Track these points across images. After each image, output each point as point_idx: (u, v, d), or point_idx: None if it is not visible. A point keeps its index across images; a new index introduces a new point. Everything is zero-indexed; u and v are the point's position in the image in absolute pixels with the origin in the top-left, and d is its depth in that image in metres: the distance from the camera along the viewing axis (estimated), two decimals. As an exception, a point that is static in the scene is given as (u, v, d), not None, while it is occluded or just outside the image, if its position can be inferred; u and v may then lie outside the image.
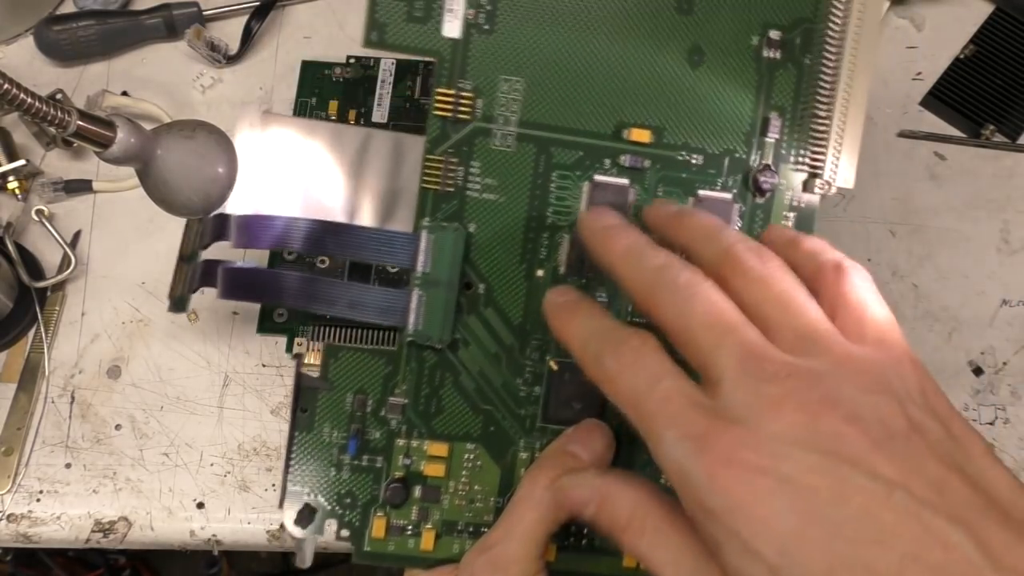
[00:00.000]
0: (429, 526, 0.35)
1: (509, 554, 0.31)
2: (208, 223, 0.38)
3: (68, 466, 0.42)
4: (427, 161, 0.34)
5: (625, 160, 0.35)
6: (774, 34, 0.35)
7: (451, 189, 0.34)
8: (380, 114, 0.46)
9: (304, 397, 0.35)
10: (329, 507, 0.35)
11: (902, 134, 0.49)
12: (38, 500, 0.42)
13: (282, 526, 0.35)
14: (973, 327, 0.46)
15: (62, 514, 0.42)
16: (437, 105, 0.34)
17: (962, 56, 0.50)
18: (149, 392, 0.44)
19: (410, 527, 0.35)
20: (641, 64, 0.34)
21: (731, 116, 0.35)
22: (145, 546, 0.42)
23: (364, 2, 0.33)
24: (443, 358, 0.35)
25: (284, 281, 0.36)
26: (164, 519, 0.41)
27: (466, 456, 0.35)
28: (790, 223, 0.35)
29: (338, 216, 0.38)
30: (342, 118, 0.46)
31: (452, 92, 0.34)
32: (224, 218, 0.37)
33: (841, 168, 0.35)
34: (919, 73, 0.50)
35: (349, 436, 0.35)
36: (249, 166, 0.37)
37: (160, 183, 0.33)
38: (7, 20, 0.50)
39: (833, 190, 0.35)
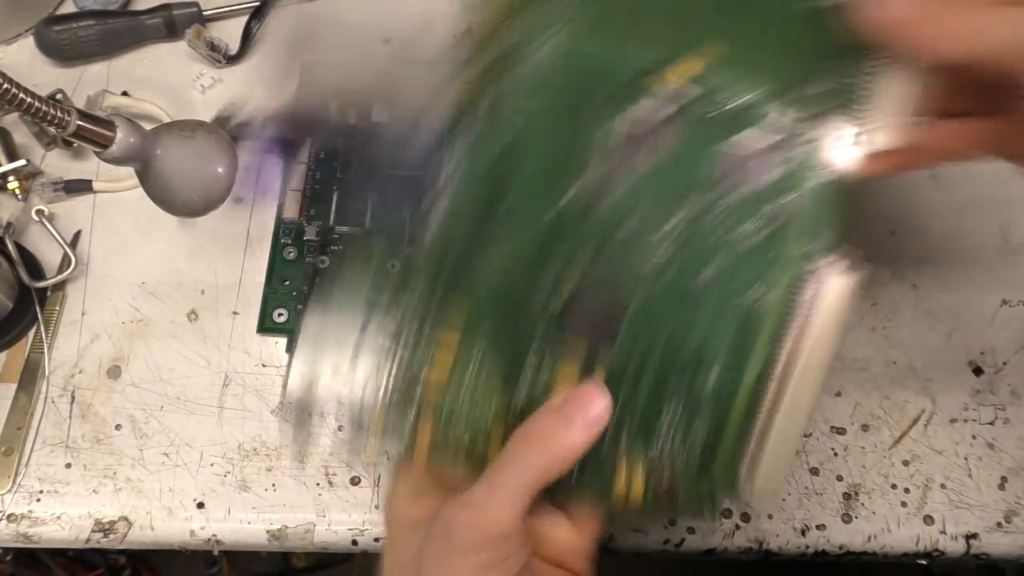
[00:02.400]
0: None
1: (492, 516, 0.30)
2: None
3: (68, 466, 0.42)
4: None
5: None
6: None
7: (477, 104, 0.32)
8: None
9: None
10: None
11: (902, 134, 0.49)
12: (38, 500, 0.42)
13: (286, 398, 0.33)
14: (973, 327, 0.46)
15: (62, 514, 0.42)
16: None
17: (962, 56, 0.50)
18: (149, 392, 0.44)
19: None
20: None
21: None
22: (145, 546, 0.42)
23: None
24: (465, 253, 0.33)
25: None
26: (164, 519, 0.41)
27: (475, 349, 0.34)
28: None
29: None
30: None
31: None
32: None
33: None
34: (919, 73, 0.50)
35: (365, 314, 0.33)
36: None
37: (160, 183, 0.33)
38: (7, 20, 0.50)
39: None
